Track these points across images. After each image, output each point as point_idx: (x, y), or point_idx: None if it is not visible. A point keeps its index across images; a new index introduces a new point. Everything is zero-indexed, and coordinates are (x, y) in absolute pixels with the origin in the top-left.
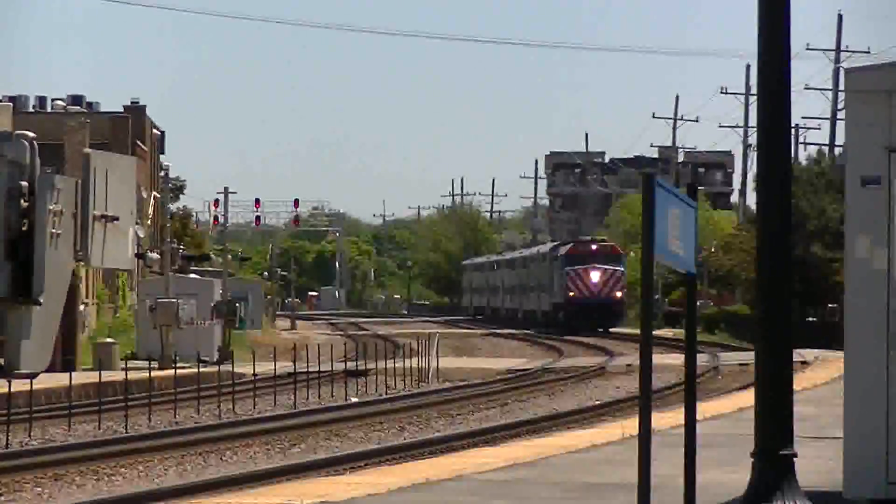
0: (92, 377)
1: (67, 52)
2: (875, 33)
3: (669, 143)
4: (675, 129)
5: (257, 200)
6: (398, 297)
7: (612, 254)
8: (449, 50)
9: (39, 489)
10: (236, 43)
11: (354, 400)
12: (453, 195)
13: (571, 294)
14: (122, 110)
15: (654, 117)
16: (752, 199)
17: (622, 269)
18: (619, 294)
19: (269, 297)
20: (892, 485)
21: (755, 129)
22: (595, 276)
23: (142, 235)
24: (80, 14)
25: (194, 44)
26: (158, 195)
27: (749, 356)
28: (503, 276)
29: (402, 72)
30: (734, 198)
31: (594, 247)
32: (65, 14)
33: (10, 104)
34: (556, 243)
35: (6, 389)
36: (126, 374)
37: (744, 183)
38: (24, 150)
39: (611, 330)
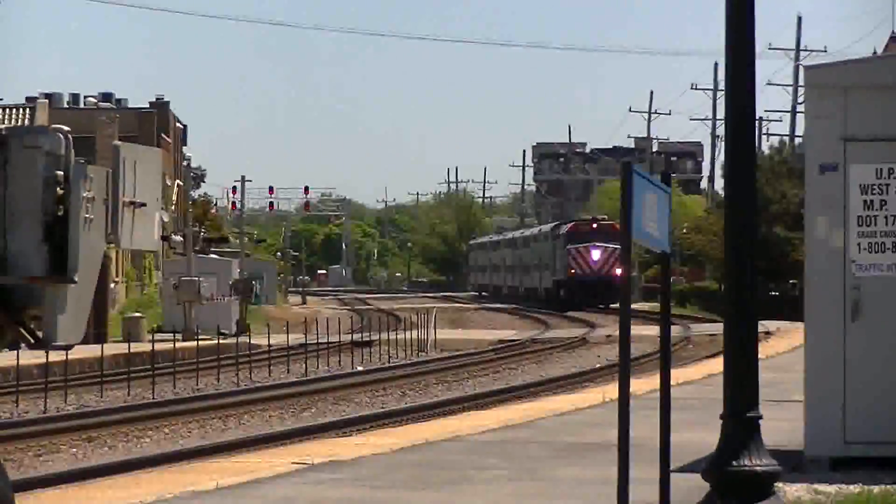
0: (121, 348)
1: (98, 54)
2: (832, 34)
3: (645, 135)
4: (649, 121)
5: (271, 188)
6: (399, 274)
7: (612, 232)
8: (445, 52)
9: (74, 450)
10: (252, 44)
11: (360, 368)
12: (448, 182)
13: (572, 271)
14: (148, 106)
15: (630, 111)
16: (719, 185)
17: (621, 247)
18: (618, 271)
19: (281, 275)
20: (848, 444)
21: (723, 121)
22: (596, 254)
23: (166, 220)
24: (109, 19)
25: (214, 45)
26: (181, 183)
27: (717, 327)
28: (505, 255)
29: (404, 71)
30: (703, 184)
31: (595, 225)
32: (96, 19)
33: (47, 101)
34: (557, 222)
35: (44, 360)
36: (153, 346)
37: (712, 170)
38: (59, 143)
39: (611, 306)
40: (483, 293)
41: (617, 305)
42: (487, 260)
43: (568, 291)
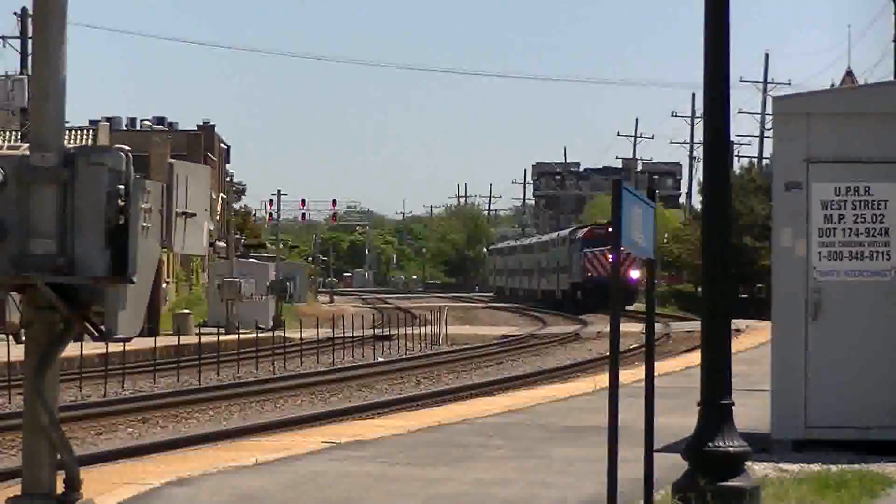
0: (172, 341)
1: (153, 82)
2: (795, 68)
3: (631, 156)
4: (635, 144)
5: (303, 200)
6: (415, 277)
7: None
8: (458, 83)
9: (130, 430)
10: (289, 75)
11: (381, 359)
12: (458, 196)
13: (589, 274)
14: (196, 129)
15: (618, 135)
16: (696, 201)
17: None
18: (634, 274)
19: (312, 277)
20: (809, 428)
21: (700, 145)
22: (612, 259)
23: (212, 228)
24: (163, 51)
25: (255, 75)
26: (225, 196)
27: (694, 325)
28: (523, 260)
29: (422, 99)
30: (682, 199)
31: (610, 230)
32: (151, 52)
33: (108, 124)
34: (573, 227)
35: (104, 350)
36: (199, 339)
37: (689, 188)
38: (120, 160)
39: (626, 308)
40: (505, 294)
41: (631, 308)
42: (505, 264)
43: (585, 293)
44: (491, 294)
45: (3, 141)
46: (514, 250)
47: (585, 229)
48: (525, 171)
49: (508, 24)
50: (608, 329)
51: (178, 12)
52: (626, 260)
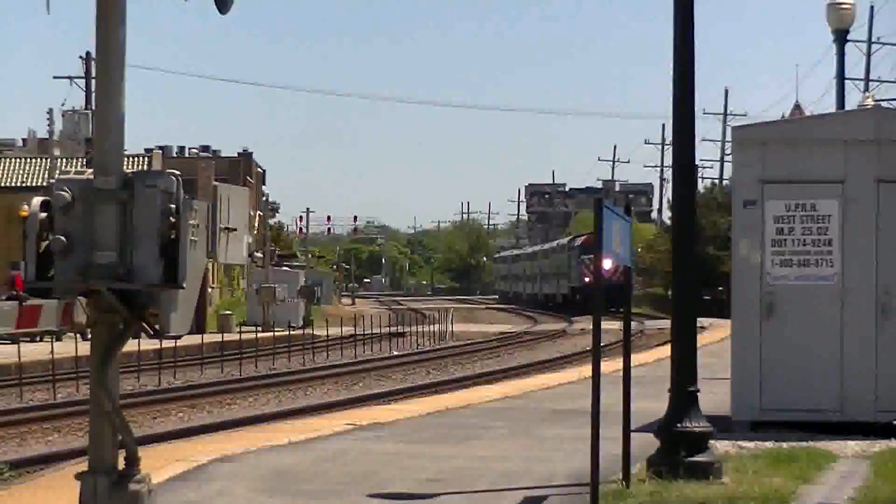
0: (216, 337)
1: (198, 115)
2: (751, 101)
3: (610, 178)
4: (613, 168)
5: (328, 217)
6: (424, 282)
7: None
8: (460, 113)
9: (182, 414)
10: (314, 106)
11: (395, 353)
12: (462, 213)
13: (587, 279)
14: (236, 155)
15: (599, 160)
16: (665, 216)
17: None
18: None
19: (336, 282)
20: (763, 411)
21: (670, 168)
22: (607, 264)
23: (250, 241)
24: (208, 88)
25: (285, 107)
26: (261, 213)
27: (665, 323)
28: (526, 266)
29: (431, 128)
30: (654, 215)
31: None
32: (197, 87)
33: (160, 152)
34: (572, 236)
35: (158, 346)
36: (240, 336)
37: (660, 205)
38: (171, 183)
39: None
40: (507, 298)
41: (640, 310)
42: (509, 271)
43: (583, 296)
44: (491, 297)
45: (72, 167)
46: (518, 258)
47: (583, 237)
48: (519, 190)
49: (508, 62)
50: (591, 326)
51: (220, 55)
52: (617, 265)
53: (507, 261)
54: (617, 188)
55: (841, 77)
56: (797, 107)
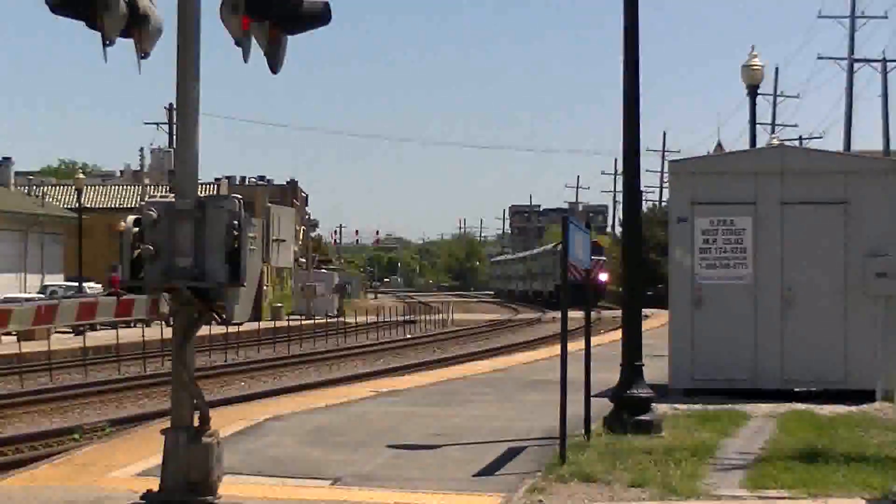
0: (269, 324)
1: (255, 150)
2: (684, 139)
3: (574, 200)
4: (577, 192)
5: (356, 230)
6: (431, 281)
7: (597, 248)
8: (459, 150)
9: (243, 384)
10: (345, 142)
11: (408, 336)
12: (460, 227)
13: (578, 277)
14: (285, 183)
15: (566, 186)
16: (618, 230)
17: (604, 258)
18: (602, 277)
19: (362, 281)
20: (694, 380)
21: (621, 192)
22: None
23: (296, 249)
24: (263, 129)
25: (322, 143)
26: (304, 228)
27: (617, 313)
28: (518, 268)
29: (437, 161)
30: (609, 229)
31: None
32: (255, 129)
33: (226, 180)
34: (557, 243)
35: (224, 331)
36: (288, 323)
37: (614, 221)
38: (235, 205)
39: (598, 304)
40: (505, 295)
41: (601, 303)
42: (504, 272)
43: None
44: (484, 293)
45: (158, 192)
46: (512, 261)
47: None
48: (504, 210)
49: (497, 110)
50: (560, 315)
51: (274, 103)
52: (595, 266)
53: (501, 264)
54: (580, 208)
55: (753, 122)
56: (719, 145)
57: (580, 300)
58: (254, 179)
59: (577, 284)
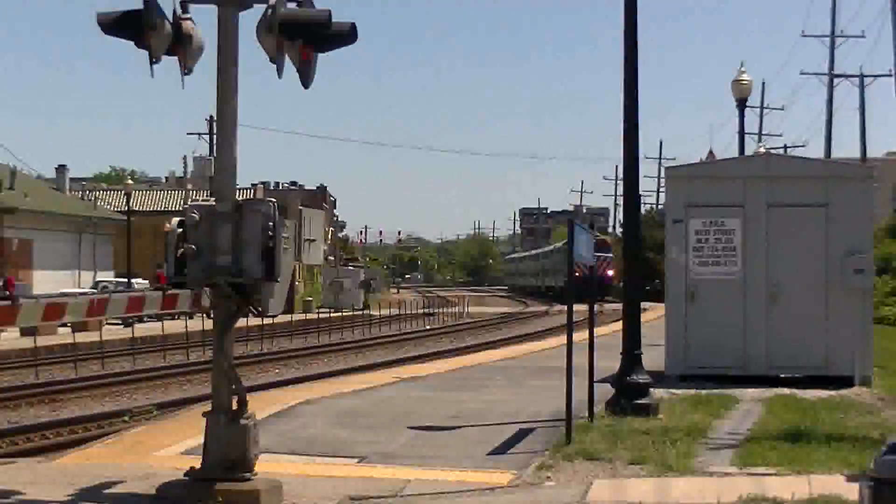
0: (301, 316)
1: (287, 157)
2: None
3: (579, 203)
4: (581, 196)
5: (380, 231)
6: (448, 277)
7: (605, 246)
8: (474, 157)
9: (276, 370)
10: (369, 151)
11: (428, 327)
12: (474, 228)
13: (578, 274)
14: (315, 188)
15: (571, 191)
16: (618, 230)
17: (611, 255)
18: (609, 273)
19: (386, 277)
20: (688, 367)
21: (621, 196)
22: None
23: (325, 248)
24: (294, 138)
25: (350, 152)
26: (333, 229)
27: (618, 306)
28: (531, 265)
29: (452, 167)
30: (610, 229)
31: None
32: (287, 138)
33: (262, 185)
34: (566, 241)
35: (260, 322)
36: (318, 315)
37: (615, 223)
38: (270, 208)
39: (605, 298)
40: (515, 289)
41: (607, 297)
42: (517, 269)
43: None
44: (496, 288)
45: (200, 197)
46: (525, 259)
47: None
48: (514, 212)
49: (511, 117)
50: (566, 308)
51: (305, 114)
52: (603, 263)
53: (515, 261)
54: (584, 210)
55: (742, 132)
56: (711, 153)
57: (587, 294)
58: (287, 185)
59: (586, 280)
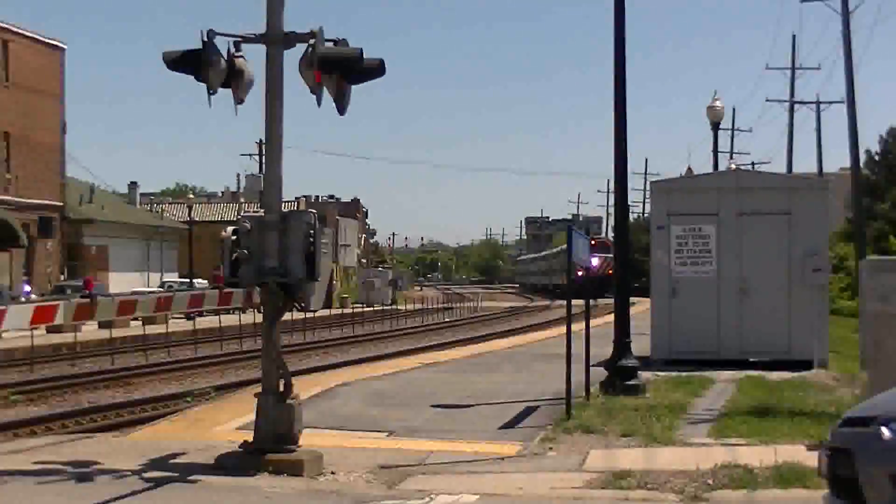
0: (338, 311)
1: (326, 174)
2: (661, 163)
3: (576, 212)
4: (578, 206)
5: (406, 237)
6: (464, 277)
7: (606, 246)
8: (487, 174)
9: (318, 357)
10: (397, 169)
11: (447, 320)
12: (487, 234)
13: (581, 273)
14: (350, 200)
15: (569, 202)
16: (610, 236)
17: (612, 255)
18: (610, 272)
19: (410, 277)
20: (672, 352)
21: (613, 206)
22: (595, 261)
23: (359, 252)
24: (331, 158)
25: (380, 170)
26: (365, 236)
27: (610, 300)
28: (540, 265)
29: (466, 182)
30: (603, 236)
31: (594, 242)
32: (325, 158)
33: (304, 198)
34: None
35: (303, 316)
36: (352, 310)
37: (607, 229)
38: (311, 217)
39: (605, 295)
40: (526, 288)
41: (607, 293)
42: (528, 269)
43: (580, 286)
44: (505, 286)
45: (251, 209)
46: (535, 260)
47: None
48: (521, 220)
49: (515, 133)
50: (566, 303)
51: (339, 135)
52: (604, 263)
53: (526, 262)
54: (581, 219)
55: (715, 150)
56: (689, 168)
57: (584, 292)
58: (325, 198)
59: (590, 279)
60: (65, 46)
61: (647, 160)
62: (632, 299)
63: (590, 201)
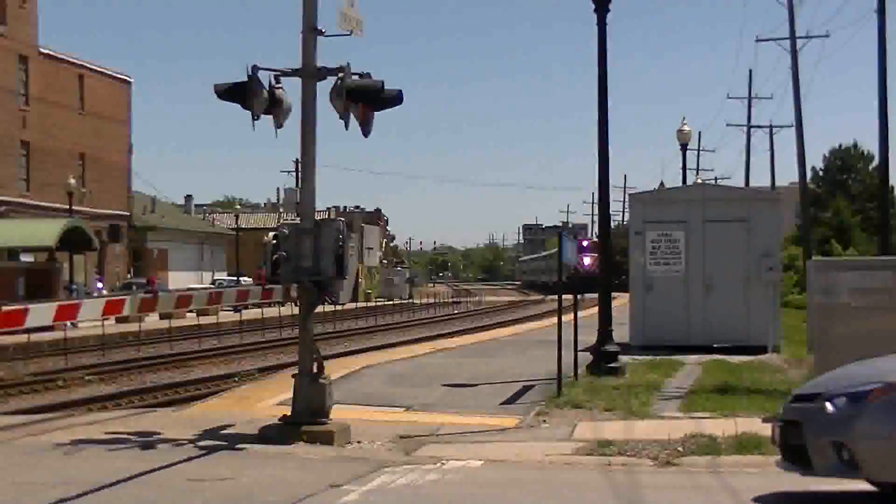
0: (363, 305)
1: (352, 187)
2: (637, 178)
3: (566, 220)
4: (567, 215)
5: (420, 241)
6: (470, 276)
7: (595, 247)
8: (489, 188)
9: (346, 344)
10: (410, 183)
11: (455, 312)
12: (489, 238)
13: (572, 272)
14: (372, 210)
15: (560, 211)
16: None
17: None
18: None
19: (425, 276)
20: (647, 338)
21: (597, 215)
22: (587, 260)
23: (380, 254)
24: (357, 173)
25: (399, 184)
26: (386, 240)
27: (594, 295)
28: (540, 264)
29: (472, 195)
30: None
31: (585, 243)
32: (350, 174)
33: (335, 208)
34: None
35: (333, 309)
36: (375, 304)
37: (592, 235)
38: (341, 225)
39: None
40: (528, 285)
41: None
42: (529, 268)
43: (575, 283)
44: (506, 283)
45: (289, 218)
46: (535, 260)
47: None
48: (519, 227)
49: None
50: (557, 297)
51: (364, 154)
52: (595, 261)
53: (527, 262)
54: (570, 226)
55: (684, 167)
56: (662, 183)
57: (573, 288)
58: (352, 208)
59: (580, 277)
60: (131, 80)
61: (625, 176)
62: (613, 294)
63: (577, 211)
